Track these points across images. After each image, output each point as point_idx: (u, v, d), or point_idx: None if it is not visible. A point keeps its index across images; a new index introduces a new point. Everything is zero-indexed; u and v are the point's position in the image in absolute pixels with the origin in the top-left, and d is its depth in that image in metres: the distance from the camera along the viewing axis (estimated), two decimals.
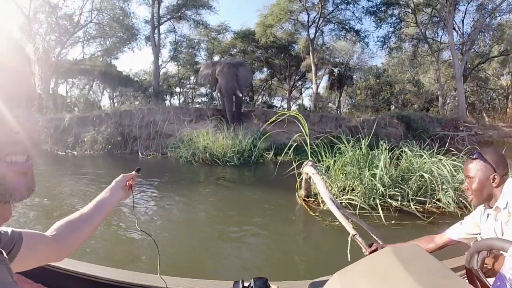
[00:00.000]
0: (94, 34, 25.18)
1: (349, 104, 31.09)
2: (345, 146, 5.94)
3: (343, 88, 29.29)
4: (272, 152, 11.27)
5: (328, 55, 28.83)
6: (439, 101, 26.83)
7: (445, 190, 5.11)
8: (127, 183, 1.23)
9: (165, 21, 25.99)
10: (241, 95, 14.33)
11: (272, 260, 3.55)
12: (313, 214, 4.86)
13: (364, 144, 5.82)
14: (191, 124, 13.83)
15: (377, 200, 4.77)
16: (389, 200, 5.01)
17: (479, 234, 1.67)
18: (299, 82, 33.04)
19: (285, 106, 32.77)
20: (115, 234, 4.15)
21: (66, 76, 27.86)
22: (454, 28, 25.10)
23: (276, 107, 34.09)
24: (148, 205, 5.70)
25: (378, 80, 22.80)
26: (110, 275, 1.63)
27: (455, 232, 1.81)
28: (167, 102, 32.03)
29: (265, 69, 31.83)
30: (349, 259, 2.76)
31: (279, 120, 5.66)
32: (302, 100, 35.38)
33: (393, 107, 27.98)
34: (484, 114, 27.45)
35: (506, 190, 1.53)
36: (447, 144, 6.43)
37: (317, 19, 24.29)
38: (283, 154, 6.61)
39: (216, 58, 29.11)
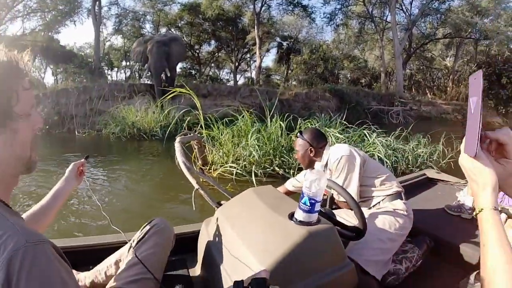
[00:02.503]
0: (35, 8, 23.72)
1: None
2: (237, 119, 6.43)
3: (291, 61, 29.92)
4: (199, 125, 11.78)
5: (275, 29, 28.90)
6: (381, 78, 28.09)
7: None
8: (78, 169, 1.42)
9: None
10: (169, 74, 14.53)
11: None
12: (202, 180, 5.51)
13: (249, 117, 6.32)
14: (125, 100, 13.98)
15: (253, 167, 5.28)
16: (276, 168, 5.57)
17: None
18: (248, 55, 33.01)
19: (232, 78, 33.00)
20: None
21: None
22: (402, 9, 26.23)
23: (222, 79, 34.21)
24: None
25: (313, 56, 23.38)
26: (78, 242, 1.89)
27: (292, 185, 2.51)
28: (111, 77, 31.33)
29: (212, 41, 31.47)
30: (193, 208, 3.55)
31: (176, 94, 6.14)
32: (251, 73, 35.46)
33: (342, 81, 28.81)
34: (427, 91, 28.85)
35: (324, 155, 2.11)
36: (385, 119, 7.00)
37: None
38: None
39: (163, 30, 28.41)
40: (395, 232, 1.86)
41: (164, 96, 6.48)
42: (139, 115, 11.60)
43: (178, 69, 22.96)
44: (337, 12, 26.50)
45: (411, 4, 26.15)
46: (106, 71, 31.17)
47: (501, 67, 21.44)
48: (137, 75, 30.02)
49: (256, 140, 5.77)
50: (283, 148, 5.98)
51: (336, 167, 1.98)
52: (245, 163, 5.62)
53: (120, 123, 11.55)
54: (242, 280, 0.82)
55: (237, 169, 5.33)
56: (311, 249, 1.18)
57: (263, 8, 25.48)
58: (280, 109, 14.80)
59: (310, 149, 2.12)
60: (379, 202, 2.03)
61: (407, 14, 26.30)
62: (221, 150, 5.98)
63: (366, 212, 1.98)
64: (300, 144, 2.17)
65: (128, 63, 32.29)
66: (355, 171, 1.96)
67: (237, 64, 31.99)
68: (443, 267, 2.12)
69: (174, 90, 6.13)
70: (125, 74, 32.81)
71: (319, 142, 2.14)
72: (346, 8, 26.64)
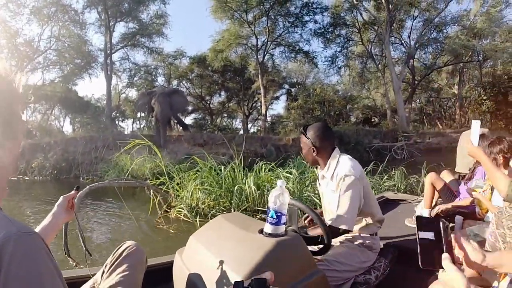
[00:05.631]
0: (54, 60, 25.52)
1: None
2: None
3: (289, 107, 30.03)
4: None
5: (280, 77, 29.83)
6: (387, 115, 27.61)
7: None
8: (69, 203, 1.37)
9: (119, 49, 26.58)
10: (176, 121, 15.66)
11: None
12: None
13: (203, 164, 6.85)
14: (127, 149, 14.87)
15: (201, 207, 5.82)
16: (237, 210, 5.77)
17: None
18: (258, 104, 33.24)
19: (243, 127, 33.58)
20: None
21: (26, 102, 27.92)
22: (402, 44, 26.76)
23: (232, 129, 34.52)
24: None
25: (309, 100, 23.77)
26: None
27: None
28: (127, 127, 32.85)
29: (222, 92, 32.69)
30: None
31: (137, 146, 6.81)
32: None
33: (346, 122, 28.79)
34: (438, 122, 28.38)
35: (332, 163, 1.94)
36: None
37: (266, 43, 25.18)
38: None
39: (174, 83, 30.22)
40: (354, 264, 1.88)
41: (126, 147, 7.03)
42: (134, 163, 12.42)
43: (190, 121, 24.08)
44: (337, 54, 27.05)
45: (409, 37, 26.40)
46: (120, 122, 32.77)
47: (507, 85, 21.07)
48: (151, 125, 31.21)
49: (203, 184, 6.22)
50: (236, 191, 6.09)
51: (339, 184, 1.84)
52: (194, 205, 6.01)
53: (117, 170, 12.35)
54: (242, 281, 0.82)
55: (185, 210, 5.79)
56: (282, 258, 1.29)
57: (266, 57, 26.38)
58: (276, 154, 15.30)
59: (312, 148, 1.95)
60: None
61: (406, 47, 26.52)
62: (178, 195, 6.46)
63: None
64: (303, 141, 2.01)
65: (142, 114, 33.63)
66: (356, 196, 1.83)
67: (248, 113, 32.64)
68: (411, 272, 2.17)
69: (137, 141, 6.65)
70: (140, 124, 34.21)
71: (322, 142, 1.95)
72: (346, 50, 27.28)
